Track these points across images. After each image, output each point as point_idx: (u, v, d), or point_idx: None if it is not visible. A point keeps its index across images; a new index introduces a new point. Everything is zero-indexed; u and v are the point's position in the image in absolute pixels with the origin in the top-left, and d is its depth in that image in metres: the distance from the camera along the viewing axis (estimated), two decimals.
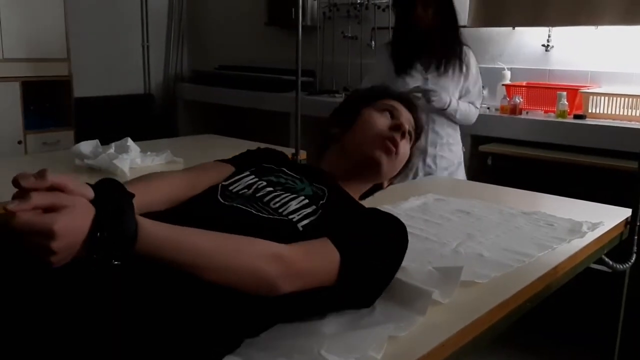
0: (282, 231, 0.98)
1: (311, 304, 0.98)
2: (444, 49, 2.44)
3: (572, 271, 1.39)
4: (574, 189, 2.03)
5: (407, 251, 1.09)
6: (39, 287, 0.77)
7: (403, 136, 1.25)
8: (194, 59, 5.22)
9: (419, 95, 2.32)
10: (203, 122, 4.76)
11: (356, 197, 1.26)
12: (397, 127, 1.24)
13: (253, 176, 1.15)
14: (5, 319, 0.74)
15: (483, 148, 3.01)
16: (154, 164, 2.20)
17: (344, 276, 0.96)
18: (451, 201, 1.78)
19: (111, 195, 0.76)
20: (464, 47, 2.49)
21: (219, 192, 1.08)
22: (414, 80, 2.46)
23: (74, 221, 0.71)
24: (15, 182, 0.70)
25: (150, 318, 0.78)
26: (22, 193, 0.70)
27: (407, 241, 1.09)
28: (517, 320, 1.20)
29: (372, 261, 1.01)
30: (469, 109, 2.53)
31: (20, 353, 0.72)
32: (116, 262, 0.74)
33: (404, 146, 1.26)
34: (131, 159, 2.12)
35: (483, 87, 3.45)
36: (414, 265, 1.18)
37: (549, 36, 3.26)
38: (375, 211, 1.14)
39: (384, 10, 3.80)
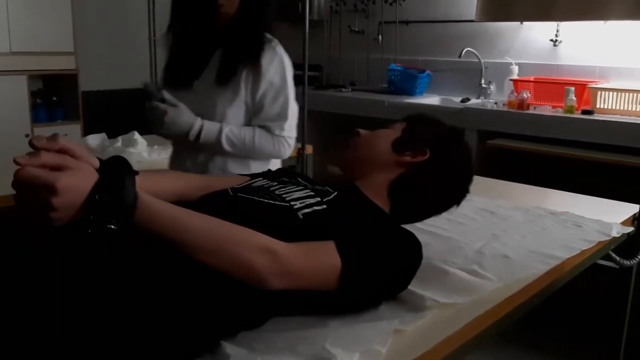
0: (282, 217, 0.99)
1: (308, 304, 0.97)
2: (234, 45, 1.65)
3: (579, 266, 1.39)
4: (580, 184, 2.03)
5: (431, 250, 1.07)
6: (33, 266, 0.80)
7: (355, 134, 1.27)
8: None
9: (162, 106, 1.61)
10: None
11: (380, 201, 1.17)
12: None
13: (265, 180, 1.18)
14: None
15: (490, 143, 3.00)
16: (160, 158, 2.20)
17: (344, 286, 0.94)
18: (475, 200, 1.74)
19: (115, 166, 0.80)
20: (266, 44, 1.68)
21: (229, 188, 1.11)
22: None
23: (76, 181, 0.75)
24: (30, 142, 0.75)
25: (143, 300, 0.80)
26: (32, 152, 0.75)
27: (419, 260, 1.06)
28: (523, 316, 1.20)
29: (375, 274, 0.98)
30: (255, 139, 1.64)
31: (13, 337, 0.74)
32: (112, 227, 0.76)
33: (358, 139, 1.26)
34: (138, 153, 2.13)
35: (490, 82, 3.48)
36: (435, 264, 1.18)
37: (557, 31, 3.24)
38: (390, 223, 1.11)
39: (391, 4, 3.79)
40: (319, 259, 0.93)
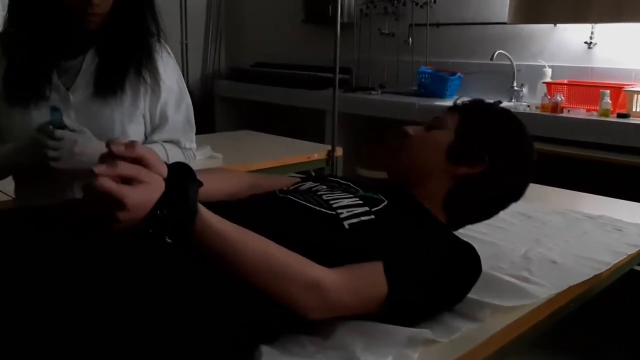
0: (327, 226, 0.96)
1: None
2: (118, 46, 1.34)
3: (617, 272, 1.36)
4: (615, 188, 1.99)
5: None
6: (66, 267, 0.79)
7: (401, 134, 1.19)
8: (231, 56, 5.27)
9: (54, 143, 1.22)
10: (240, 118, 4.81)
11: (436, 210, 1.13)
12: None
13: (314, 183, 1.15)
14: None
15: None
16: (194, 159, 2.22)
17: (388, 310, 0.92)
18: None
19: (182, 179, 0.78)
20: (156, 44, 1.41)
21: (277, 190, 1.10)
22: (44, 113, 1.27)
23: (145, 197, 0.74)
24: (107, 145, 0.75)
25: (143, 301, 0.79)
26: (109, 157, 0.74)
27: (477, 275, 1.02)
28: (559, 321, 1.18)
29: (423, 299, 0.95)
30: (168, 158, 1.40)
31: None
32: (169, 240, 0.76)
33: (411, 138, 1.18)
34: None
35: (522, 85, 3.44)
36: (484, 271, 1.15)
37: (591, 33, 3.18)
38: (446, 235, 1.05)
39: (421, 6, 3.77)
40: (367, 290, 0.91)
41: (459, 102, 1.24)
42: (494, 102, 1.27)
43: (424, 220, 1.07)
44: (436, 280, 0.95)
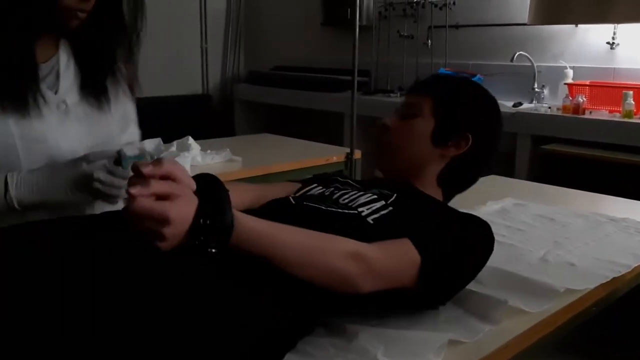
0: (352, 225, 0.99)
1: (387, 303, 0.98)
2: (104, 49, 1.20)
3: (639, 276, 1.34)
4: (637, 190, 1.96)
5: (493, 259, 1.06)
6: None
7: (380, 128, 1.22)
8: (250, 60, 5.30)
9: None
10: (259, 121, 4.83)
11: (435, 193, 1.20)
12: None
13: (320, 187, 1.17)
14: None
15: (544, 148, 2.93)
16: (213, 162, 2.25)
17: (424, 280, 0.95)
18: (531, 206, 1.72)
19: (212, 188, 0.80)
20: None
21: (289, 197, 1.10)
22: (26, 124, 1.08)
23: (185, 210, 0.75)
24: (135, 169, 0.75)
25: (143, 301, 0.77)
26: (139, 179, 0.74)
27: (492, 244, 1.06)
28: (581, 326, 1.17)
29: (453, 265, 0.99)
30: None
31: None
32: (213, 250, 0.77)
33: (391, 131, 1.20)
34: (192, 157, 2.18)
35: (543, 86, 3.41)
36: (499, 270, 1.17)
37: (614, 33, 3.14)
38: (452, 211, 1.11)
39: (440, 8, 3.76)
40: (401, 256, 0.94)
41: (423, 81, 1.26)
42: (456, 74, 1.33)
43: (430, 203, 1.14)
44: (460, 250, 1.00)
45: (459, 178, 1.23)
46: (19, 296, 0.75)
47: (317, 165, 2.52)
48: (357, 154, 2.66)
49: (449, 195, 1.24)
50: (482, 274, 1.09)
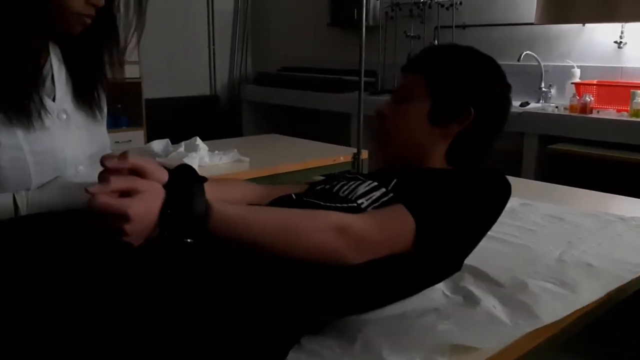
0: None
1: (387, 278, 0.95)
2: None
3: None
4: None
5: (509, 260, 1.05)
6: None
7: (378, 117, 1.18)
8: (257, 61, 5.31)
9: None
10: (266, 122, 4.85)
11: (440, 166, 1.14)
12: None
13: (325, 184, 1.14)
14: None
15: (551, 148, 2.92)
16: (221, 163, 2.26)
17: (420, 242, 0.91)
18: (539, 206, 1.71)
19: (182, 178, 0.80)
20: None
21: (292, 194, 1.09)
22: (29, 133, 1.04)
23: (147, 205, 0.75)
24: (101, 161, 0.76)
25: (144, 302, 0.75)
26: (105, 173, 0.75)
27: (505, 198, 1.01)
28: (590, 326, 1.17)
29: (453, 224, 0.95)
30: None
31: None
32: (189, 240, 0.77)
33: (387, 119, 1.16)
34: (200, 157, 2.19)
35: (550, 86, 3.40)
36: (519, 277, 1.16)
37: (621, 32, 3.13)
38: (472, 170, 1.05)
39: (447, 8, 3.76)
40: (391, 222, 0.91)
41: (414, 58, 1.19)
42: (447, 45, 1.23)
43: (438, 176, 1.07)
44: (463, 207, 0.96)
45: (470, 153, 1.14)
46: (18, 295, 0.74)
47: (324, 165, 2.52)
48: (364, 154, 2.66)
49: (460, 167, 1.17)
50: (501, 276, 1.09)
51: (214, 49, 5.08)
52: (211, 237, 0.79)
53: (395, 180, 1.05)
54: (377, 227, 0.89)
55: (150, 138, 3.30)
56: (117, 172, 0.76)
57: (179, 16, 4.77)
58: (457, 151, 1.12)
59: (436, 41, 3.85)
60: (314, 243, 0.85)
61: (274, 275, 0.85)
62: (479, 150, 1.16)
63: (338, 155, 2.63)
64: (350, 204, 1.00)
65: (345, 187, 1.06)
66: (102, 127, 1.19)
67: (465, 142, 1.12)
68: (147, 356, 0.73)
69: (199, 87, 5.01)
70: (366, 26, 2.65)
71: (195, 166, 2.11)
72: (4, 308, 0.72)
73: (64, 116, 1.09)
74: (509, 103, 1.17)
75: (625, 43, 3.13)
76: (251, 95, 4.94)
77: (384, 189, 1.02)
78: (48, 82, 1.08)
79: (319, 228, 0.86)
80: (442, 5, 3.78)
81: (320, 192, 1.10)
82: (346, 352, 0.90)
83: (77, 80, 1.13)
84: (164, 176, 0.80)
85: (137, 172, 0.77)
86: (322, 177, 1.30)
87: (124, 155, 0.77)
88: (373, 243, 0.89)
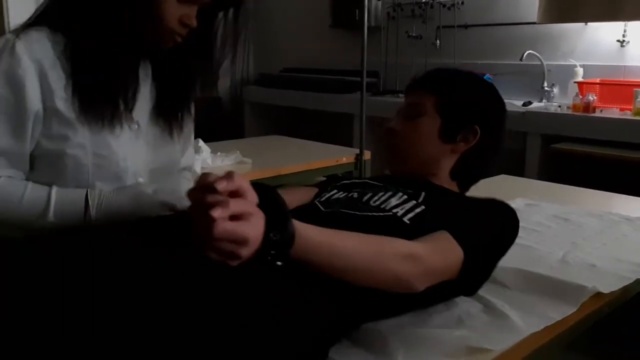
0: (390, 226, 0.99)
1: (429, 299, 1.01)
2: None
3: None
4: None
5: (513, 260, 1.14)
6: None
7: (388, 132, 1.22)
8: (260, 62, 5.32)
9: None
10: (268, 123, 4.84)
11: (451, 186, 1.23)
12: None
13: (341, 192, 1.16)
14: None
15: (554, 147, 2.92)
16: (223, 164, 2.26)
17: (466, 272, 0.98)
18: (544, 206, 1.71)
19: (270, 198, 0.78)
20: None
21: (316, 203, 1.09)
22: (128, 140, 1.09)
23: (259, 229, 0.73)
24: (207, 185, 0.71)
25: (144, 302, 0.74)
26: (211, 196, 0.70)
27: (517, 227, 1.11)
28: (592, 327, 1.16)
29: (490, 255, 1.05)
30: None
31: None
32: (279, 263, 0.75)
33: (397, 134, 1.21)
34: (202, 159, 2.19)
35: (553, 85, 3.39)
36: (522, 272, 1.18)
37: (624, 31, 3.12)
38: (484, 200, 1.13)
39: (449, 8, 3.76)
40: (448, 252, 0.97)
41: (420, 79, 1.27)
42: (452, 69, 1.33)
43: (455, 196, 1.19)
44: (494, 239, 1.06)
45: (472, 170, 1.25)
46: (18, 297, 0.73)
47: (327, 166, 2.52)
48: (367, 155, 2.66)
49: (464, 188, 1.26)
50: (506, 276, 1.15)
51: None
52: (294, 260, 0.77)
53: (423, 194, 1.10)
54: (439, 257, 0.95)
55: None
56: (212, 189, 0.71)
57: None
58: (462, 167, 1.22)
59: (438, 41, 3.85)
60: (389, 271, 0.88)
61: (304, 282, 0.83)
62: (480, 168, 1.26)
63: (341, 156, 2.63)
64: (386, 213, 1.04)
65: (376, 198, 1.09)
66: (174, 145, 1.18)
67: (469, 159, 1.21)
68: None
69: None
70: (368, 27, 2.65)
71: (198, 168, 2.11)
72: (5, 309, 0.72)
73: (136, 127, 1.10)
74: (505, 126, 1.28)
75: (628, 42, 3.12)
76: (253, 96, 4.94)
77: (414, 201, 1.07)
78: (130, 93, 1.09)
79: (394, 256, 0.89)
80: (444, 5, 3.78)
81: (348, 201, 1.10)
82: (364, 357, 0.90)
83: (161, 96, 1.14)
84: (255, 196, 0.76)
85: (237, 194, 0.73)
86: (323, 179, 1.30)
87: (230, 175, 0.73)
88: (437, 272, 0.95)
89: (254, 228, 0.72)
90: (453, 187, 1.22)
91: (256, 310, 0.78)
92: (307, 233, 0.79)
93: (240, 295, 0.78)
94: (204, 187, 0.71)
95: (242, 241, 0.70)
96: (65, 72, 1.02)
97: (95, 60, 1.02)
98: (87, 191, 1.03)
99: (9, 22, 3.59)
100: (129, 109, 1.07)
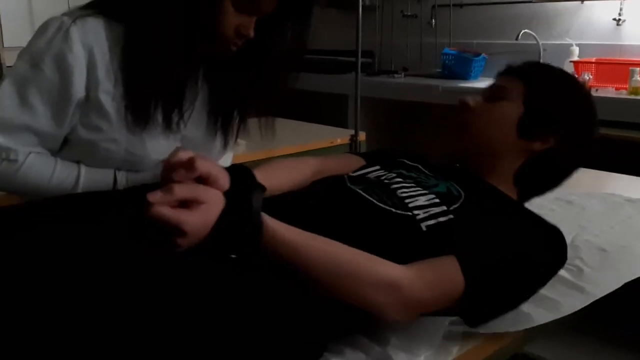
0: (403, 228, 0.91)
1: None
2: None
3: None
4: None
5: None
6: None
7: (461, 107, 1.10)
8: None
9: None
10: None
11: (509, 191, 1.09)
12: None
13: (383, 170, 1.08)
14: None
15: None
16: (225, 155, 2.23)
17: (466, 305, 0.87)
18: None
19: (243, 189, 0.75)
20: None
21: (345, 177, 1.03)
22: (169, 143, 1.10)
23: (205, 219, 0.71)
24: (167, 165, 0.72)
25: (144, 302, 0.73)
26: (167, 178, 0.71)
27: (562, 263, 0.96)
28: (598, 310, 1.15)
29: (503, 288, 0.89)
30: None
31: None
32: (233, 256, 0.73)
33: (473, 112, 1.10)
34: None
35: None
36: None
37: (620, 9, 3.09)
38: (535, 221, 0.99)
39: None
40: (444, 284, 0.85)
41: (516, 66, 1.16)
42: (552, 65, 1.21)
43: (502, 206, 1.02)
44: (514, 273, 0.90)
45: (540, 178, 1.11)
46: (18, 294, 0.72)
47: (321, 147, 2.50)
48: (362, 136, 2.65)
49: (524, 197, 1.12)
50: None
51: None
52: (258, 255, 0.75)
53: (462, 200, 0.98)
54: (429, 290, 0.84)
55: None
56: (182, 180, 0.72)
57: None
58: (529, 172, 1.09)
59: (434, 20, 3.81)
60: (359, 294, 0.81)
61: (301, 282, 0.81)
62: (549, 177, 1.13)
63: (335, 137, 2.61)
64: (405, 212, 0.93)
65: (405, 190, 0.99)
66: (213, 147, 1.17)
67: (539, 165, 1.09)
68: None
69: None
70: (363, 6, 2.62)
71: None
72: (5, 308, 0.70)
73: (179, 135, 1.10)
74: (592, 141, 1.14)
75: (624, 20, 3.10)
76: None
77: (444, 207, 0.95)
78: (186, 104, 1.09)
79: (370, 281, 0.81)
80: None
81: (377, 183, 1.01)
82: (350, 347, 0.88)
83: (213, 104, 1.13)
84: (226, 183, 0.75)
85: (207, 179, 0.73)
86: (374, 150, 1.21)
87: (191, 161, 0.72)
88: (421, 305, 0.85)
89: (195, 220, 0.69)
90: (512, 192, 1.09)
91: (254, 310, 0.77)
92: (277, 232, 0.76)
93: (239, 296, 0.77)
94: (171, 166, 0.72)
95: (177, 230, 0.69)
96: (114, 67, 1.00)
97: (153, 64, 0.99)
98: (114, 170, 1.06)
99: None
100: (183, 120, 1.06)
